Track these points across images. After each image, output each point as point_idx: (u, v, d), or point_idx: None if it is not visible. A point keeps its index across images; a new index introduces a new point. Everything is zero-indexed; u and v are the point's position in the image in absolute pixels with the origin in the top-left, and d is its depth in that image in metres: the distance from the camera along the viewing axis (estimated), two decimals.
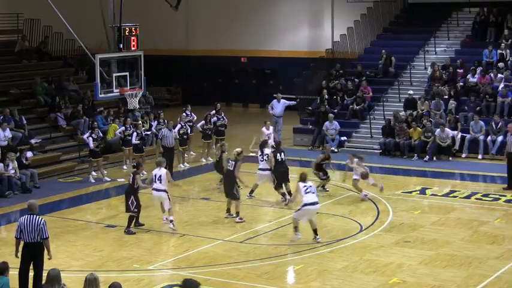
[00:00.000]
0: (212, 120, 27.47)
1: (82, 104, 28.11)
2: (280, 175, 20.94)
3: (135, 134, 25.18)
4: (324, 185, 22.21)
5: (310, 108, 31.07)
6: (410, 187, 22.89)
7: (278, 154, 21.09)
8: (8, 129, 24.33)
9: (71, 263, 16.03)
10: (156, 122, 27.65)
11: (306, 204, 16.98)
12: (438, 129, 26.63)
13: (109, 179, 24.06)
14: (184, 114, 27.35)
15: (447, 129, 26.66)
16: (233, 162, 19.14)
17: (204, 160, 26.75)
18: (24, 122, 25.91)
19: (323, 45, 36.18)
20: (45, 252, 13.74)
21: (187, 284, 10.32)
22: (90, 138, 24.14)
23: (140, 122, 26.87)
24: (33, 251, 13.63)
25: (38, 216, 13.72)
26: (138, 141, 25.16)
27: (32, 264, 13.70)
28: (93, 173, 24.41)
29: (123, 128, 25.75)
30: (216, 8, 39.98)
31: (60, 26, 26.08)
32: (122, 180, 23.78)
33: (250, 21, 39.12)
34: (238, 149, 19.32)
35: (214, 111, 27.98)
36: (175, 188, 20.37)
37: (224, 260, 16.26)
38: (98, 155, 24.36)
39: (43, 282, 11.57)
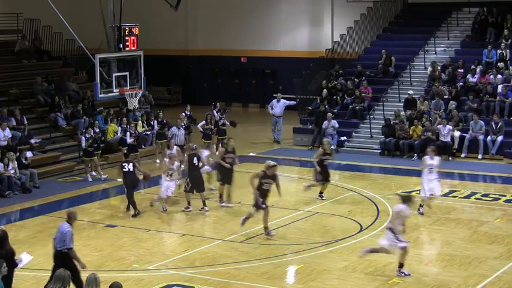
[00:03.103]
0: (216, 118, 27.70)
1: (82, 104, 28.12)
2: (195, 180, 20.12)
3: (128, 133, 25.26)
4: (322, 191, 21.28)
5: (310, 108, 31.09)
6: (410, 187, 22.88)
7: (195, 158, 19.98)
8: (7, 129, 24.32)
9: None
10: (155, 122, 27.73)
11: None
12: (440, 125, 26.63)
13: (104, 177, 24.07)
14: (183, 114, 27.42)
15: (448, 126, 26.65)
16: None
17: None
18: (25, 122, 25.89)
19: (323, 45, 36.20)
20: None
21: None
22: (83, 138, 24.28)
23: (139, 121, 26.99)
24: (57, 258, 13.56)
25: (65, 224, 13.50)
26: (131, 141, 25.19)
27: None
28: (93, 172, 24.46)
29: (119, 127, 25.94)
30: (216, 8, 39.99)
31: (60, 26, 26.07)
32: (121, 180, 23.81)
33: (250, 21, 39.12)
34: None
35: (216, 110, 28.08)
36: (176, 188, 20.52)
37: (224, 260, 16.26)
38: (91, 154, 24.38)
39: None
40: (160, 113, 27.91)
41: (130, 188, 20.00)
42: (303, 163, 25.69)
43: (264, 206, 17.48)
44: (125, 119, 26.51)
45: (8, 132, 24.17)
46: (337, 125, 28.45)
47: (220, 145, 26.56)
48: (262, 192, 17.45)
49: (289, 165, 25.59)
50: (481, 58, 30.30)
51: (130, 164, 20.00)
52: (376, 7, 35.13)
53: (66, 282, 10.88)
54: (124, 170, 20.00)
